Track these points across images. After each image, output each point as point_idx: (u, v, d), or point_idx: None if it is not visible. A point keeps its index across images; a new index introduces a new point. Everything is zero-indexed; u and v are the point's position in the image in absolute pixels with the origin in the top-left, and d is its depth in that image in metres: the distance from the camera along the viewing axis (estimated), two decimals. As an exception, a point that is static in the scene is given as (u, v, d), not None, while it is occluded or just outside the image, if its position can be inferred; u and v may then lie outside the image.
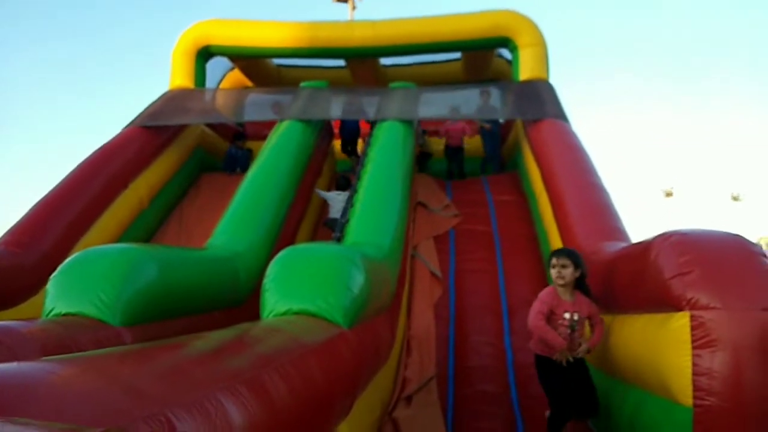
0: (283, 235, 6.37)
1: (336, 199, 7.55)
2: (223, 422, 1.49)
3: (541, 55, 9.00)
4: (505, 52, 9.72)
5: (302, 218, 7.26)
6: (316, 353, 2.50)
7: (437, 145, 9.90)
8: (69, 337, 2.98)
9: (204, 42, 8.85)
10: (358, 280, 3.50)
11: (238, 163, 9.19)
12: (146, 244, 6.05)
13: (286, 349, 2.30)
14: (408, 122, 7.74)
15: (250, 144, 9.73)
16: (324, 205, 8.10)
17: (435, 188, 8.41)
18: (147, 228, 7.54)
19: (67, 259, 3.58)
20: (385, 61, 9.93)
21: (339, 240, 5.85)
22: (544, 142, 7.22)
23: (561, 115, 7.76)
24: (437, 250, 7.10)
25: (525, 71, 8.86)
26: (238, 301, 5.19)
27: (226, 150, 9.41)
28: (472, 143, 10.01)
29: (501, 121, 9.85)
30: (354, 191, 6.49)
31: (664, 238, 3.33)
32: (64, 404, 1.21)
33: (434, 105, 8.82)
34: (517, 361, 5.74)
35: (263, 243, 5.81)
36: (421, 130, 9.26)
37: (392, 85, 8.79)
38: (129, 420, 1.23)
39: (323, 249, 3.69)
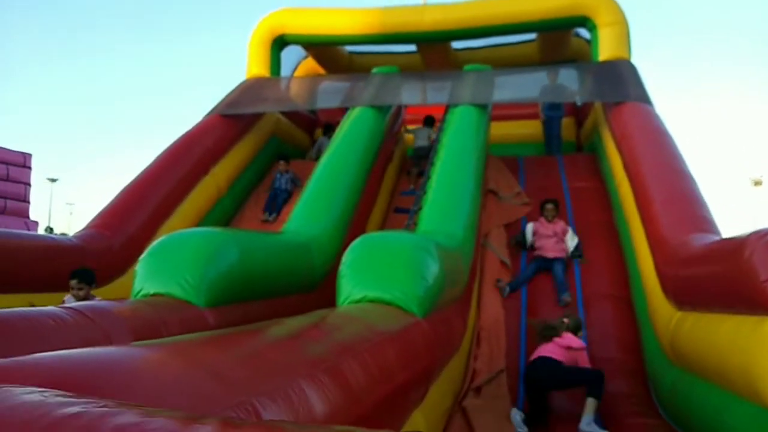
0: (356, 221, 6.43)
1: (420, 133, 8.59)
2: (305, 410, 1.52)
3: (622, 34, 8.58)
4: (584, 32, 9.33)
5: (374, 203, 7.30)
6: (392, 342, 2.51)
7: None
8: (157, 317, 3.12)
9: (279, 31, 9.01)
10: (433, 269, 3.48)
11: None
12: (227, 229, 6.26)
13: (364, 337, 2.31)
14: (482, 107, 7.59)
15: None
16: (395, 191, 8.11)
17: (507, 174, 8.21)
18: (224, 214, 7.81)
19: (155, 242, 3.76)
20: (456, 44, 9.76)
21: (411, 228, 5.85)
22: (626, 126, 6.90)
23: (644, 98, 7.38)
24: (507, 239, 6.96)
25: (605, 51, 8.48)
26: (312, 285, 5.30)
27: (317, 139, 9.67)
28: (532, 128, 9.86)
29: (578, 104, 9.49)
30: (427, 178, 6.45)
31: (760, 236, 3.08)
32: (159, 390, 1.26)
33: (509, 88, 8.59)
34: (591, 355, 5.57)
35: (337, 228, 5.89)
36: None
37: (466, 67, 8.63)
38: (219, 408, 1.26)
39: (398, 238, 3.70)
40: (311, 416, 1.54)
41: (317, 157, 9.14)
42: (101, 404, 0.97)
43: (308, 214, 5.85)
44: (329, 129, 9.54)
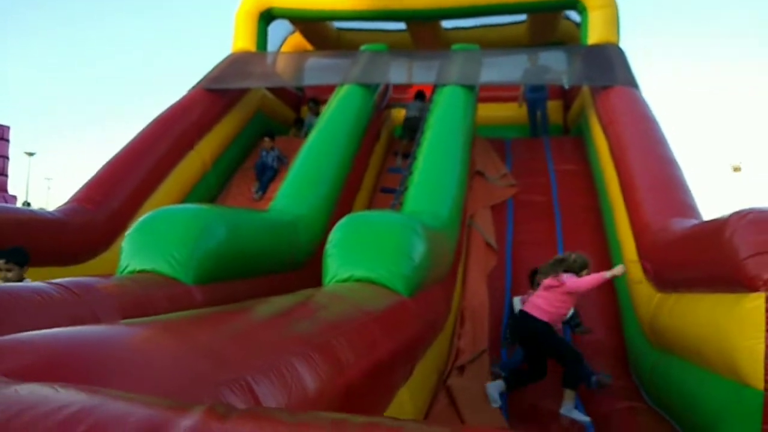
0: (342, 199, 6.42)
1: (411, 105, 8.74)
2: (297, 387, 1.53)
3: (611, 17, 8.58)
4: (574, 14, 9.32)
5: (361, 182, 7.29)
6: (379, 320, 2.53)
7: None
8: (144, 294, 3.11)
9: (267, 4, 8.85)
10: (419, 249, 3.50)
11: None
12: (215, 205, 6.21)
13: (351, 315, 2.33)
14: (469, 87, 7.57)
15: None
16: (382, 170, 8.10)
17: (493, 155, 8.23)
18: (209, 190, 7.75)
19: (141, 218, 3.72)
20: (446, 24, 9.69)
21: (397, 207, 5.86)
22: (612, 111, 6.94)
23: (631, 82, 7.41)
24: (494, 219, 7.01)
25: (594, 35, 8.48)
26: (298, 263, 5.30)
27: (304, 117, 9.57)
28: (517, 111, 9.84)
29: (566, 86, 9.51)
30: (413, 159, 6.45)
31: (741, 215, 3.16)
32: (150, 369, 1.26)
33: (497, 69, 8.57)
34: (574, 339, 5.67)
35: (323, 207, 5.87)
36: None
37: (454, 47, 8.58)
38: (213, 385, 1.27)
39: (385, 217, 3.70)
40: (303, 393, 1.56)
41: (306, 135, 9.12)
42: (79, 395, 0.95)
43: (295, 192, 5.83)
44: (315, 104, 9.46)
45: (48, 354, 1.20)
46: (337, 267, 3.36)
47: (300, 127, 9.60)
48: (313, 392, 1.59)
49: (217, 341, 1.53)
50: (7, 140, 10.80)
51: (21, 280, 4.00)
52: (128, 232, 3.66)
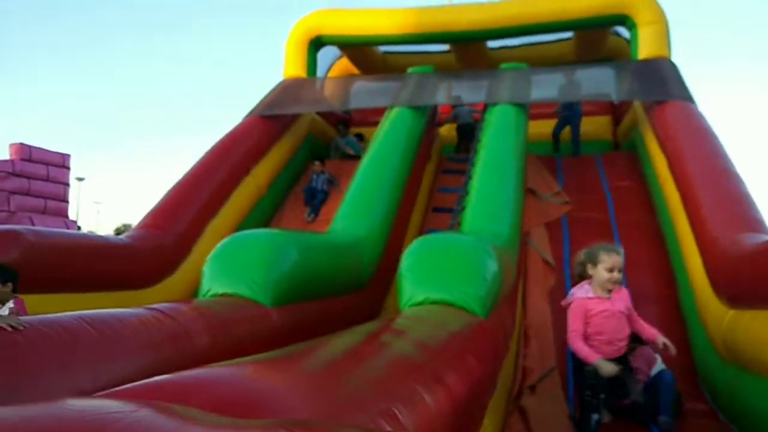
0: (397, 221, 6.49)
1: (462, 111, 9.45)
2: (425, 413, 1.57)
3: (661, 32, 8.50)
4: (622, 30, 9.26)
5: (414, 203, 7.35)
6: (467, 342, 2.55)
7: None
8: (228, 316, 3.22)
9: (316, 32, 9.09)
10: (492, 269, 3.52)
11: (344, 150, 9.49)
12: (286, 230, 6.32)
13: (444, 339, 2.37)
14: (520, 106, 7.59)
15: (360, 130, 9.97)
16: (433, 190, 8.16)
17: (544, 172, 8.21)
18: (264, 213, 7.92)
19: (220, 244, 3.85)
20: (491, 43, 9.75)
21: (455, 228, 5.89)
22: (669, 126, 6.85)
23: (687, 97, 7.31)
24: (549, 238, 6.96)
25: (644, 50, 8.41)
26: (360, 284, 5.37)
27: (335, 138, 9.71)
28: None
29: (615, 102, 9.43)
30: (467, 178, 6.48)
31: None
32: (307, 404, 1.30)
33: (546, 87, 8.58)
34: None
35: (381, 228, 5.95)
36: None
37: (503, 66, 8.62)
38: (368, 416, 1.31)
39: (457, 239, 3.74)
40: (429, 422, 1.59)
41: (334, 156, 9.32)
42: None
43: (353, 214, 5.92)
44: (345, 126, 9.65)
45: (206, 393, 1.25)
46: (412, 289, 3.40)
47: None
48: (434, 416, 1.63)
49: (353, 373, 1.58)
50: (68, 168, 11.28)
51: (6, 300, 3.65)
52: (208, 257, 3.79)
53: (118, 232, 30.95)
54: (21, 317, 2.34)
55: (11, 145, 10.63)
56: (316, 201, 8.15)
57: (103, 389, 2.31)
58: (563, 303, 4.01)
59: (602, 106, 9.92)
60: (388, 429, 1.31)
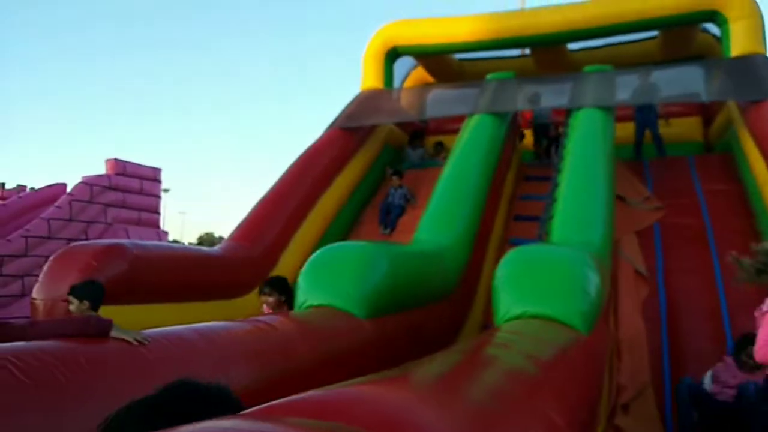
0: (481, 229, 6.41)
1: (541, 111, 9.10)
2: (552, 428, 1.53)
3: (755, 27, 8.00)
4: (712, 26, 8.79)
5: (496, 212, 7.25)
6: (578, 359, 2.47)
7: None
8: (326, 328, 3.27)
9: (392, 43, 9.16)
10: (594, 282, 3.41)
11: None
12: (376, 242, 6.39)
13: (557, 356, 2.30)
14: (606, 109, 7.34)
15: (436, 139, 9.95)
16: (515, 197, 8.02)
17: (632, 178, 7.88)
18: (346, 223, 8.03)
19: (313, 255, 3.93)
20: (572, 45, 9.50)
21: (543, 237, 5.75)
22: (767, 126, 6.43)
23: (787, 94, 6.85)
24: (641, 246, 6.67)
25: (737, 46, 7.94)
26: (446, 294, 5.33)
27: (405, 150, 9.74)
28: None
29: (705, 102, 8.96)
30: (554, 185, 6.32)
31: None
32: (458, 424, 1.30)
33: (632, 88, 8.26)
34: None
35: (465, 237, 5.90)
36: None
37: (586, 68, 8.37)
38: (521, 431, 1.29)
39: (555, 251, 3.65)
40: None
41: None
42: None
43: (437, 224, 5.90)
44: (415, 138, 9.62)
45: (379, 411, 1.26)
46: (509, 303, 3.34)
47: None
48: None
49: (487, 393, 1.56)
50: (159, 181, 11.88)
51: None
52: (303, 269, 3.87)
53: (201, 240, 32.29)
54: (141, 331, 2.46)
55: (107, 161, 11.31)
56: (393, 215, 8.14)
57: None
58: (757, 313, 3.30)
59: (691, 106, 9.44)
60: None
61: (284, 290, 4.12)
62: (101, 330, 2.35)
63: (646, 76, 8.48)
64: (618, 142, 9.17)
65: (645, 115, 8.76)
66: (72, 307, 3.66)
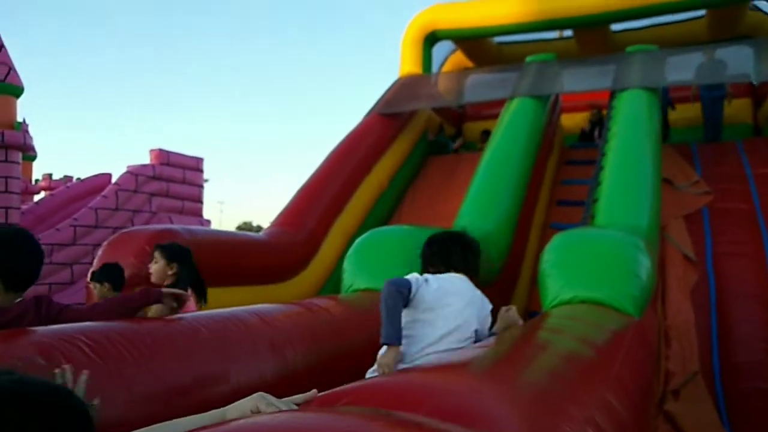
0: (523, 214, 6.35)
1: None
2: (615, 417, 1.53)
3: (811, 2, 7.68)
4: (763, 5, 8.46)
5: (538, 196, 7.16)
6: (633, 344, 2.45)
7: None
8: (375, 310, 3.30)
9: (431, 28, 9.10)
10: (645, 265, 3.35)
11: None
12: (420, 226, 6.42)
13: (612, 340, 2.28)
14: (652, 90, 7.15)
15: (473, 125, 9.90)
16: (556, 182, 7.91)
17: (680, 161, 7.68)
18: (386, 209, 8.06)
19: (358, 240, 3.97)
20: (615, 26, 9.26)
21: (588, 221, 5.66)
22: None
23: None
24: (688, 231, 6.51)
25: (791, 24, 7.64)
26: (489, 281, 5.31)
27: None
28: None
29: (754, 83, 8.64)
30: (599, 168, 6.20)
31: None
32: (516, 409, 1.31)
33: (679, 69, 8.02)
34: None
35: (507, 223, 5.84)
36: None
37: (629, 49, 8.16)
38: (577, 425, 1.30)
39: (605, 234, 3.60)
40: (620, 421, 1.55)
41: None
42: None
43: (478, 209, 5.86)
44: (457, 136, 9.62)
45: (443, 398, 1.27)
46: (559, 288, 3.31)
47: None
48: (624, 422, 1.58)
49: (546, 376, 1.57)
50: (201, 171, 12.11)
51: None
52: (348, 253, 3.92)
53: (240, 229, 32.84)
54: (204, 311, 2.54)
55: (151, 151, 11.57)
56: None
57: (279, 376, 2.47)
58: None
59: (740, 87, 9.11)
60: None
61: (110, 277, 3.81)
62: (158, 297, 2.47)
63: (695, 56, 8.22)
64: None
65: (712, 93, 8.53)
66: (96, 291, 3.76)
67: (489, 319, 2.74)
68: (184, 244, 3.43)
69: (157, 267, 3.21)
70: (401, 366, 2.34)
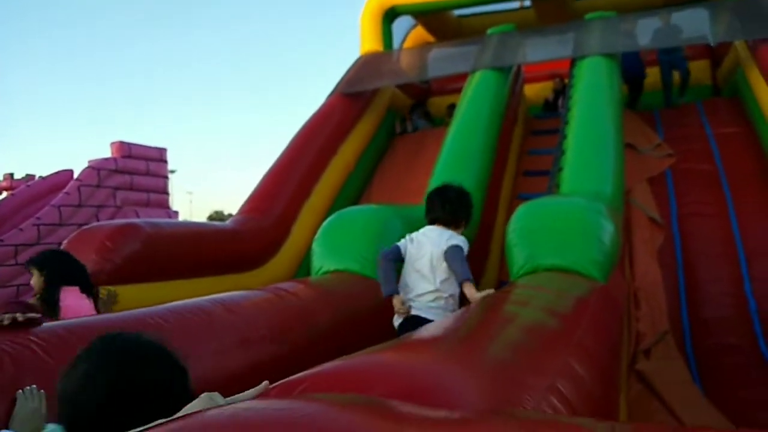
0: (491, 186, 6.36)
1: None
2: (579, 383, 1.53)
3: (763, -37, 7.75)
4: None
5: (505, 168, 7.18)
6: (598, 308, 2.47)
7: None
8: (345, 293, 3.29)
9: (390, 3, 8.96)
10: (608, 230, 3.38)
11: None
12: (388, 204, 6.38)
13: (576, 307, 2.29)
14: (611, 56, 7.19)
15: (438, 100, 9.84)
16: (523, 153, 7.93)
17: (642, 126, 7.77)
18: (355, 188, 8.01)
19: (326, 222, 3.92)
20: (573, -6, 9.26)
21: (553, 190, 5.70)
22: (780, 63, 6.28)
23: (799, 30, 6.66)
24: (653, 194, 6.61)
25: (744, -15, 7.71)
26: (460, 255, 5.32)
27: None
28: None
29: (712, 44, 8.74)
30: (562, 137, 6.23)
31: None
32: (479, 382, 1.29)
33: (638, 34, 8.06)
34: (762, 310, 5.24)
35: (475, 195, 5.68)
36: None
37: (587, 16, 8.18)
38: (536, 393, 1.29)
39: (567, 202, 3.61)
40: (584, 386, 1.55)
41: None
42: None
43: (446, 182, 5.85)
44: (416, 107, 9.52)
45: (400, 377, 1.25)
46: (525, 257, 3.32)
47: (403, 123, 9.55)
48: (588, 384, 1.59)
49: (508, 350, 1.56)
50: (166, 161, 11.85)
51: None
52: (317, 236, 3.87)
53: (212, 219, 32.42)
54: (168, 304, 2.47)
55: (112, 144, 11.26)
56: None
57: (246, 367, 2.43)
58: None
59: (699, 49, 9.22)
60: (559, 406, 1.28)
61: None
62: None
63: (652, 21, 8.27)
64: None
65: (669, 56, 8.55)
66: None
67: (450, 242, 3.24)
68: (54, 249, 3.34)
69: (34, 280, 3.13)
70: (408, 304, 3.04)
